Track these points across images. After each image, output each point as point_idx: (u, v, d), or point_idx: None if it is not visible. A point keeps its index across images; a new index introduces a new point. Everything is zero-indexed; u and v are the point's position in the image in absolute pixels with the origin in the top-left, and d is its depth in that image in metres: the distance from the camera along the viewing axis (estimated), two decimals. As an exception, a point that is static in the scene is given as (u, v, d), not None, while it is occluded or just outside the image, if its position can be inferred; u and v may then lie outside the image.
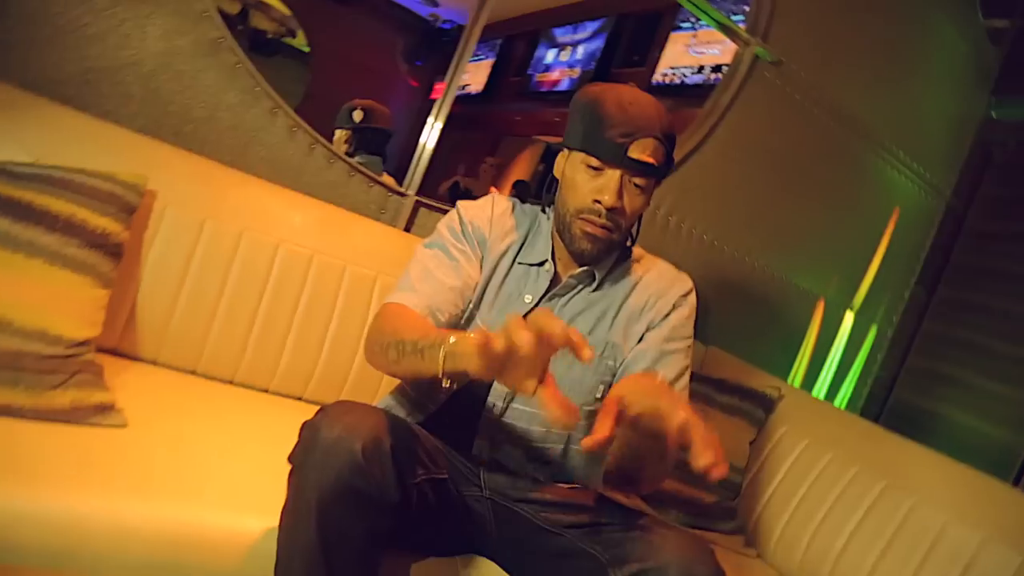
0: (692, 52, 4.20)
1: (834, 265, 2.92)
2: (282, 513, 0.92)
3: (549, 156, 4.73)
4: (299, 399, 1.62)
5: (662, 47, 4.57)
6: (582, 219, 1.19)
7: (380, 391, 1.67)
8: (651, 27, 4.73)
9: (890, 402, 3.32)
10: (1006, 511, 1.56)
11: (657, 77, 4.50)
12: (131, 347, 1.43)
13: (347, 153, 1.86)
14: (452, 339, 0.89)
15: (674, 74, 4.40)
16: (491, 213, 1.31)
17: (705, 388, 1.98)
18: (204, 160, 1.57)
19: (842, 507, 1.74)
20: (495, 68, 5.94)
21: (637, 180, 1.17)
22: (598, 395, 1.24)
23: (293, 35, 3.06)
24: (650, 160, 1.15)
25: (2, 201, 1.13)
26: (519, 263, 1.28)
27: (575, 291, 1.28)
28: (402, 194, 1.91)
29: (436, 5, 4.68)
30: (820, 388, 3.04)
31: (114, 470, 1.02)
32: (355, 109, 2.51)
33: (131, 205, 1.33)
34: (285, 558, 0.92)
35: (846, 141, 2.73)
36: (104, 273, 1.25)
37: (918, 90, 2.93)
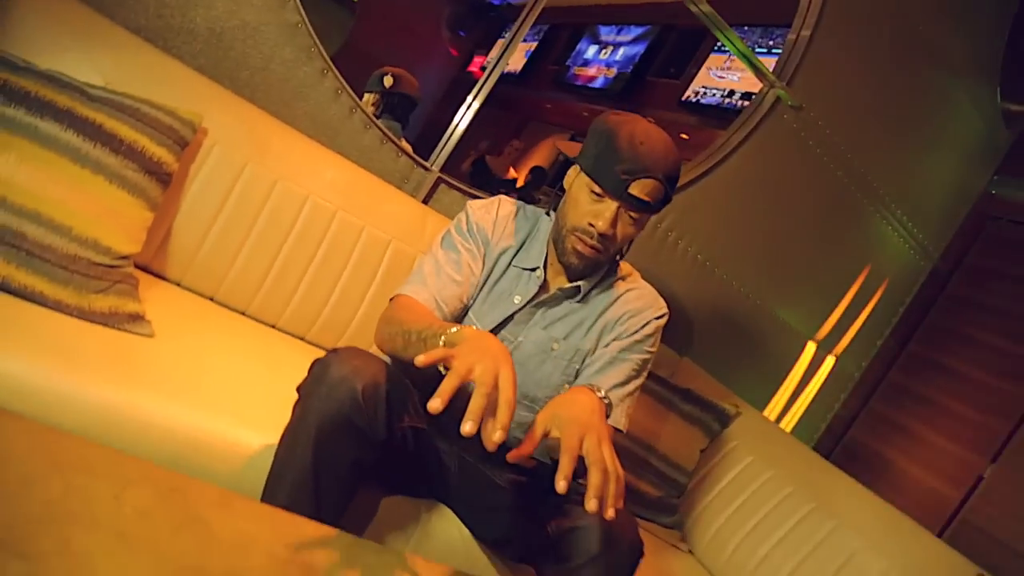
0: (713, 75, 4.33)
1: (822, 309, 3.07)
2: (283, 433, 1.08)
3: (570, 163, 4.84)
4: (302, 339, 1.78)
5: (699, 65, 4.69)
6: (576, 236, 1.30)
7: (374, 348, 1.83)
8: (693, 44, 4.84)
9: (845, 440, 3.50)
10: (911, 547, 1.73)
11: (688, 93, 4.63)
12: (161, 267, 1.58)
13: (374, 115, 1.99)
14: (453, 330, 1.00)
15: (705, 93, 4.53)
16: (495, 216, 1.42)
17: (670, 395, 2.14)
18: (254, 107, 1.71)
19: (771, 520, 1.92)
20: (535, 53, 6.04)
21: (632, 213, 1.27)
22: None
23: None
24: (648, 199, 1.24)
25: (79, 119, 1.27)
26: (514, 266, 1.40)
27: (561, 303, 1.40)
28: (426, 168, 2.05)
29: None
30: (788, 422, 3.20)
31: (139, 372, 1.18)
32: (386, 75, 2.64)
33: (185, 139, 1.47)
34: (278, 471, 1.07)
35: (850, 192, 2.87)
36: (153, 198, 1.40)
37: (927, 156, 3.07)
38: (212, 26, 1.73)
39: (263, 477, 1.09)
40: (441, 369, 0.95)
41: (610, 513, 0.88)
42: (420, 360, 0.90)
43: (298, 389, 1.10)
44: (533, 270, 1.40)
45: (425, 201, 2.06)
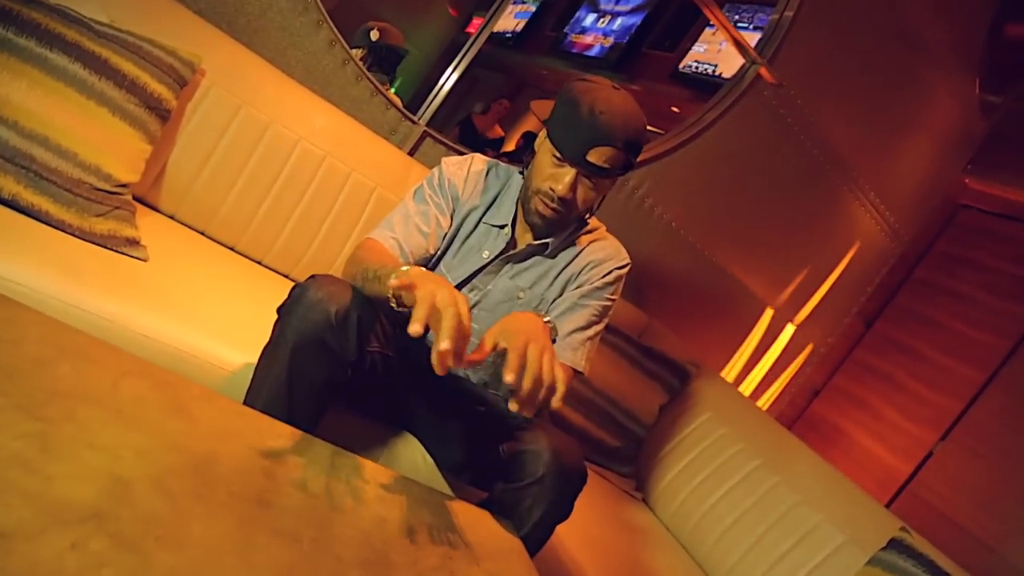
0: (705, 50, 4.39)
1: (785, 279, 3.18)
2: (263, 349, 1.18)
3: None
4: (286, 276, 1.88)
5: (694, 40, 4.74)
6: (538, 198, 1.35)
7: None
8: (689, 17, 4.87)
9: (807, 412, 3.65)
10: (846, 503, 1.86)
11: (682, 66, 4.68)
12: (156, 199, 1.67)
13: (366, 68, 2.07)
14: (404, 268, 1.05)
15: (697, 68, 4.59)
16: (467, 172, 1.47)
17: (633, 351, 2.25)
18: (250, 52, 1.79)
19: (720, 475, 2.05)
20: (534, 17, 6.06)
21: (591, 179, 1.32)
22: None
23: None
24: (605, 166, 1.28)
25: (86, 53, 1.35)
26: (484, 222, 1.45)
27: (529, 258, 1.46)
28: (413, 122, 2.14)
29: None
30: (748, 386, 3.34)
31: (134, 290, 1.27)
32: (372, 29, 2.69)
33: (184, 79, 1.55)
34: (257, 385, 1.17)
35: (824, 170, 2.97)
36: (152, 131, 1.48)
37: (903, 141, 3.17)
38: (214, -29, 1.80)
39: (243, 392, 1.19)
40: (393, 304, 1.04)
41: (529, 412, 0.96)
42: (391, 284, 1.00)
43: (278, 310, 1.19)
44: (502, 227, 1.45)
45: (411, 153, 2.15)
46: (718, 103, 2.65)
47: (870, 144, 3.07)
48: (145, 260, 1.39)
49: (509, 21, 6.05)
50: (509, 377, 0.94)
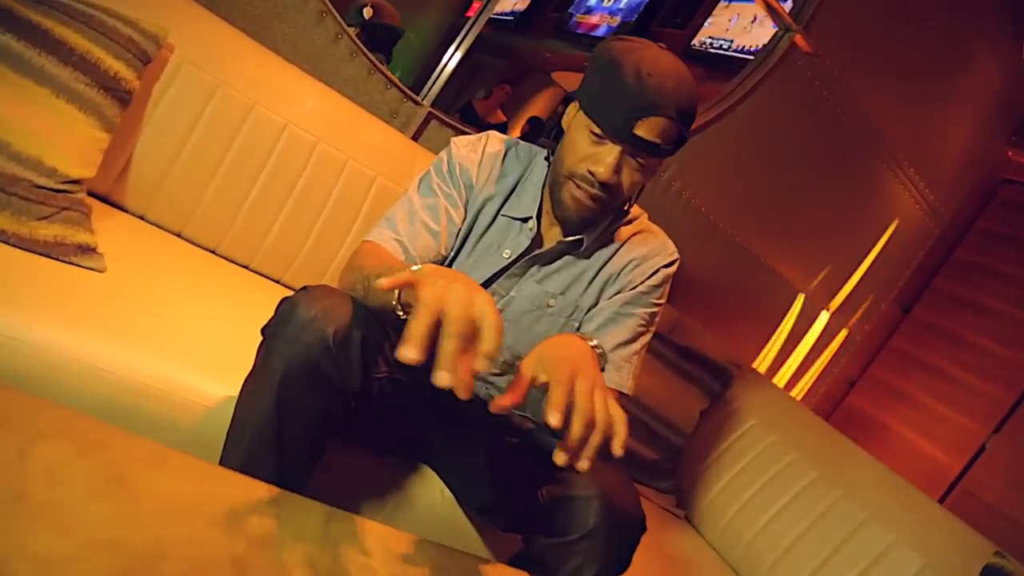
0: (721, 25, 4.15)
1: (820, 263, 2.95)
2: (245, 380, 0.95)
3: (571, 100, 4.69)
4: (277, 282, 1.64)
5: (707, 15, 4.50)
6: (573, 183, 1.12)
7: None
8: (702, -7, 4.64)
9: (844, 404, 3.42)
10: (921, 519, 1.64)
11: (695, 43, 4.44)
12: (121, 197, 1.44)
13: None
14: (414, 267, 0.83)
15: (712, 44, 4.35)
16: (480, 155, 1.22)
17: (669, 352, 2.02)
18: (228, 26, 1.55)
19: (772, 488, 1.82)
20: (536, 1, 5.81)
21: (639, 159, 1.08)
22: None
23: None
24: (657, 141, 1.05)
25: (21, 23, 1.12)
26: (503, 215, 1.22)
27: (559, 257, 1.23)
28: (417, 102, 1.90)
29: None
30: (782, 378, 3.12)
31: (87, 310, 1.04)
32: (365, 6, 2.47)
33: (147, 54, 1.32)
34: (239, 425, 0.94)
35: (861, 145, 2.74)
36: (109, 117, 1.25)
37: (944, 112, 2.93)
38: (183, -67, 1.56)
39: (224, 431, 0.97)
40: (399, 313, 0.84)
41: (583, 465, 0.75)
42: (383, 283, 0.77)
43: (263, 331, 0.97)
44: (525, 220, 1.21)
45: (415, 138, 1.91)
46: (748, 76, 2.41)
47: (909, 116, 2.82)
48: (102, 271, 1.15)
49: (508, 2, 5.80)
50: (554, 419, 0.73)
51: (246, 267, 1.60)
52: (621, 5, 5.17)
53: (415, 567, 0.77)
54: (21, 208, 1.08)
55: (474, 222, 1.22)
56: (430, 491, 1.21)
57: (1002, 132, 3.16)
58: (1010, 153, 3.21)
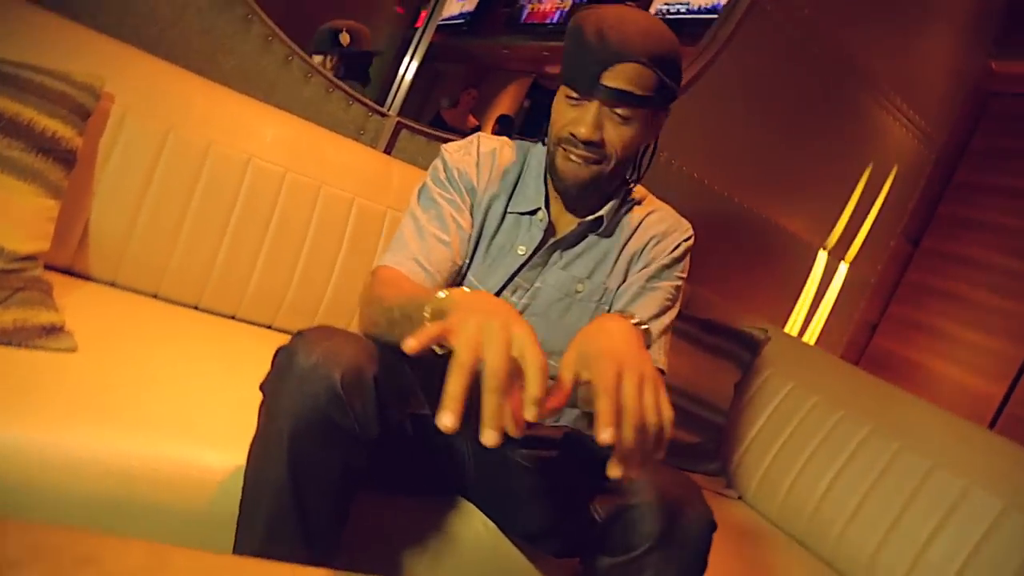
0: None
1: (824, 210, 2.86)
2: (251, 446, 0.85)
3: (536, 92, 4.59)
4: (268, 327, 1.53)
5: (661, -20, 4.40)
6: (562, 150, 1.09)
7: (354, 321, 1.59)
8: (649, -40, 4.54)
9: (869, 348, 3.32)
10: (990, 458, 1.54)
11: (653, 10, 4.34)
12: (85, 266, 1.33)
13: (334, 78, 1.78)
14: (441, 295, 0.80)
15: (670, 10, 4.25)
16: (476, 156, 1.19)
17: (691, 328, 1.92)
18: (169, 65, 1.44)
19: (826, 451, 1.72)
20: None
21: (619, 110, 1.04)
22: None
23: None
24: (630, 88, 1.02)
25: (-65, 94, 1.01)
26: (510, 212, 1.18)
27: (582, 239, 1.19)
28: (383, 114, 1.80)
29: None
30: (811, 334, 3.01)
31: (61, 397, 0.93)
32: (340, 31, 2.34)
33: (85, 108, 1.21)
34: (252, 494, 0.84)
35: (844, 83, 2.64)
36: (53, 182, 1.14)
37: (920, 34, 2.84)
38: (105, -24, 1.45)
39: (236, 504, 0.86)
40: (437, 349, 0.73)
41: (636, 473, 0.70)
42: (409, 346, 0.70)
43: (262, 387, 0.87)
44: (534, 212, 1.17)
45: (387, 151, 1.81)
46: (719, 31, 2.31)
47: (886, 44, 2.72)
48: (73, 350, 1.04)
49: (456, 6, 5.70)
50: (606, 436, 0.67)
51: (232, 317, 1.49)
52: (569, -12, 5.08)
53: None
54: (-31, 297, 0.97)
55: (483, 225, 1.18)
56: (472, 526, 1.10)
57: (982, 45, 3.07)
58: (993, 65, 3.12)
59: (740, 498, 1.83)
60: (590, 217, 1.16)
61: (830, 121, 2.70)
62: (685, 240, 1.22)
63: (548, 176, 1.17)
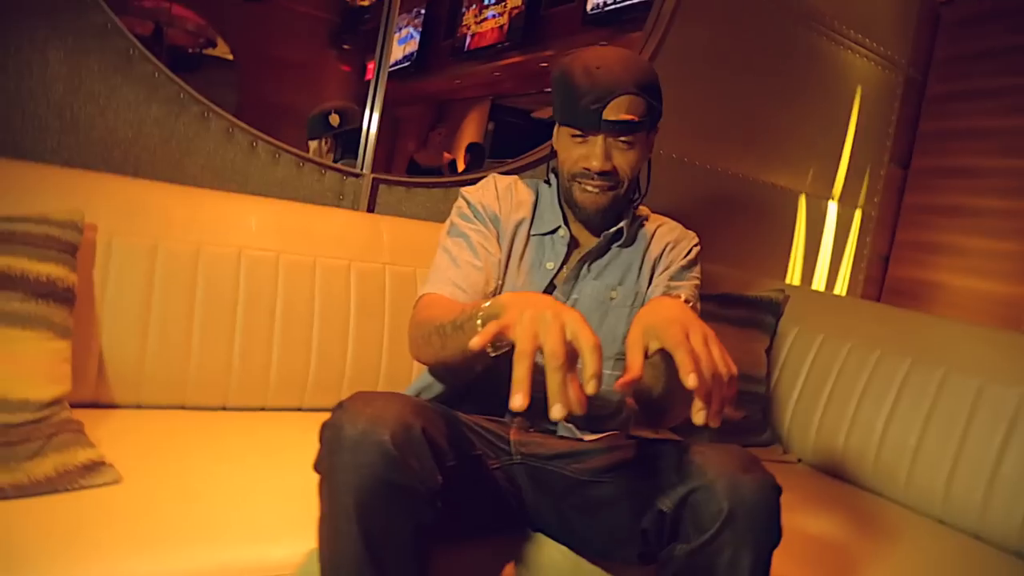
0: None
1: (808, 158, 2.85)
2: (319, 526, 0.85)
3: (497, 113, 4.62)
4: (298, 410, 1.53)
5: (590, -25, 4.43)
6: (577, 183, 1.22)
7: (380, 382, 1.60)
8: (573, -43, 4.58)
9: (887, 281, 3.30)
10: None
11: (589, 10, 4.37)
12: (108, 395, 1.34)
13: (332, 160, 1.82)
14: (487, 304, 0.89)
15: (607, 3, 4.28)
16: (496, 190, 1.31)
17: (709, 305, 1.91)
18: (140, 181, 1.47)
19: (873, 395, 1.70)
20: (423, 36, 5.76)
21: (622, 139, 1.17)
22: None
23: (213, 44, 2.88)
24: (629, 117, 1.15)
25: (-74, 268, 1.02)
26: (534, 235, 1.29)
27: (606, 251, 1.29)
28: (358, 175, 1.81)
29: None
30: (819, 281, 3.00)
31: (116, 531, 0.94)
32: (330, 114, 2.37)
33: (72, 244, 1.22)
34: (332, 573, 0.85)
35: (795, 31, 2.65)
36: (58, 323, 1.15)
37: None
38: (60, 112, 1.47)
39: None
40: (490, 351, 0.83)
41: (717, 421, 0.80)
42: (474, 343, 0.80)
43: (316, 468, 0.87)
44: (555, 231, 1.29)
45: (370, 209, 1.82)
46: (659, 13, 2.33)
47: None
48: (118, 481, 1.05)
49: (399, 51, 5.75)
50: (692, 381, 0.77)
51: (261, 409, 1.49)
52: (504, 5, 5.12)
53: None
54: (5, 455, 0.97)
55: (511, 248, 1.28)
56: (548, 554, 1.10)
57: (918, -40, 3.08)
58: (936, -26, 3.12)
59: (800, 461, 1.82)
60: (611, 230, 1.26)
61: (792, 71, 2.70)
62: (695, 246, 1.35)
63: (562, 205, 1.29)
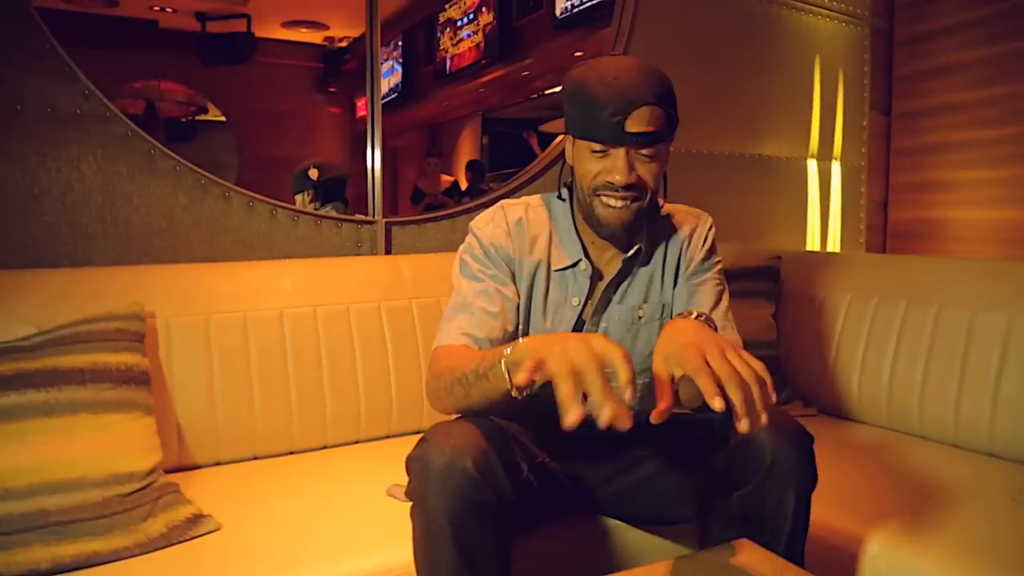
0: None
1: (789, 125, 2.97)
2: (415, 543, 1.00)
3: (489, 126, 4.75)
4: (355, 443, 1.70)
5: (551, -20, 4.56)
6: (600, 199, 1.17)
7: (424, 407, 1.75)
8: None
9: (889, 226, 3.39)
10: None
11: (558, 13, 4.50)
12: (190, 458, 1.51)
13: (315, 208, 1.98)
14: (508, 351, 0.94)
15: (575, 6, 4.41)
16: (507, 227, 1.25)
17: (713, 284, 2.05)
18: (183, 266, 1.64)
19: (876, 340, 1.83)
20: (405, 66, 5.91)
21: (644, 151, 1.14)
22: None
23: (205, 110, 3.06)
24: (650, 128, 1.12)
25: (27, 375, 1.19)
26: (555, 271, 1.26)
27: (628, 275, 1.28)
28: (371, 222, 1.98)
29: (327, 28, 4.65)
30: (833, 242, 3.10)
31: (231, 569, 1.11)
32: (308, 169, 2.56)
33: (139, 333, 1.39)
34: None
35: (757, 7, 2.77)
36: (142, 403, 1.32)
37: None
38: (101, 217, 1.65)
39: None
40: (515, 394, 0.94)
41: (764, 420, 0.85)
42: (520, 380, 0.88)
43: (408, 495, 1.02)
44: (576, 264, 1.26)
45: (388, 251, 1.99)
46: (622, 10, 2.47)
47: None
48: (219, 528, 1.22)
49: (385, 84, 5.90)
50: (717, 404, 0.83)
51: (323, 448, 1.66)
52: (476, 25, 5.27)
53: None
54: (126, 521, 1.14)
55: (532, 287, 1.26)
56: (632, 538, 1.31)
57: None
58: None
59: (818, 412, 1.96)
60: (630, 252, 1.25)
61: (760, 47, 2.82)
62: (709, 230, 1.34)
63: (578, 228, 1.27)
